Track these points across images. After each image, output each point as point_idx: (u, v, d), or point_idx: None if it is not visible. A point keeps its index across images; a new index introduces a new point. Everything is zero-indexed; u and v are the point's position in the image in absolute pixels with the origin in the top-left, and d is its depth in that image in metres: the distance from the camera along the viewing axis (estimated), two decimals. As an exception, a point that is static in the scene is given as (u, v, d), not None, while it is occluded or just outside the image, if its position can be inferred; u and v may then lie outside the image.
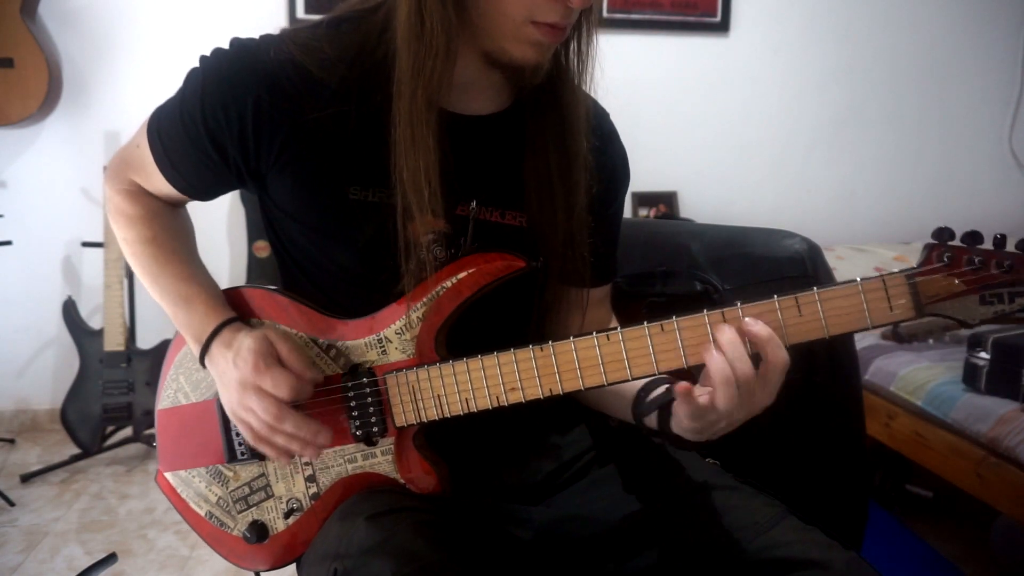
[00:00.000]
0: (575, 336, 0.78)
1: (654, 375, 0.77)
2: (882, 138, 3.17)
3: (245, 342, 0.81)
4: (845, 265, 2.63)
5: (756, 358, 0.72)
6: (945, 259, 0.69)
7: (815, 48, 3.05)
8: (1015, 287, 0.68)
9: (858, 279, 0.71)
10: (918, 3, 3.08)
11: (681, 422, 0.76)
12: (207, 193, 0.91)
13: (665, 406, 0.80)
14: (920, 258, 0.71)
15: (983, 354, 1.80)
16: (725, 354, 0.71)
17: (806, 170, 3.14)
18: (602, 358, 0.77)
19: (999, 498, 1.71)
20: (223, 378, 0.84)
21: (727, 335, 0.71)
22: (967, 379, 1.86)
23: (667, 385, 0.82)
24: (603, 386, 0.78)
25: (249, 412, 0.81)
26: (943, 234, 0.70)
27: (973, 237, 0.69)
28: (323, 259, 0.88)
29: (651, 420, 0.83)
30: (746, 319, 0.72)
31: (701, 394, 0.73)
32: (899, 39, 3.10)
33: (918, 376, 1.99)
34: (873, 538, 1.20)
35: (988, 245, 0.69)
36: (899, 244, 2.92)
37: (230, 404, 0.83)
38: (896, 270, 0.71)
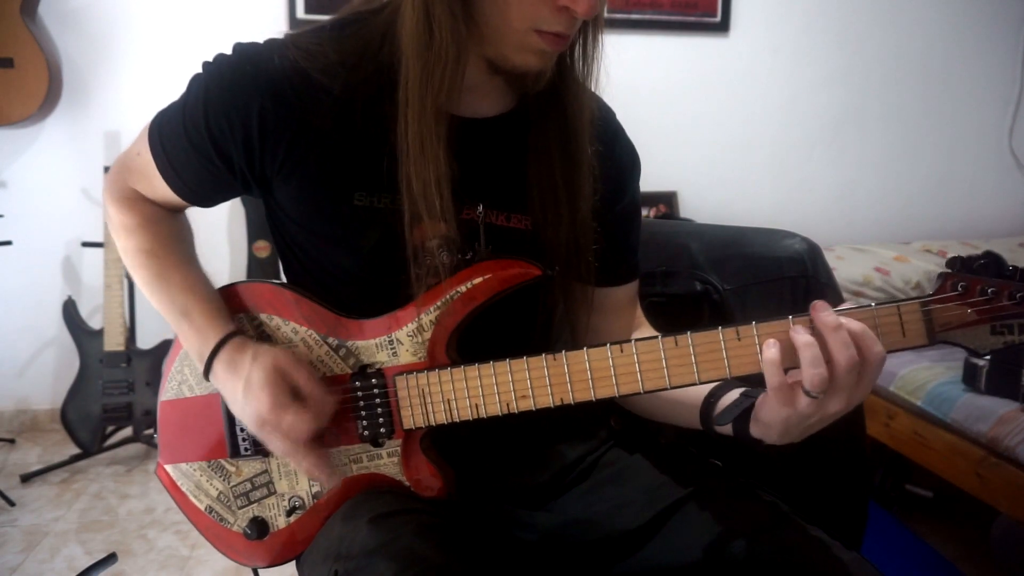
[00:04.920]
0: (588, 346, 0.78)
1: (665, 387, 0.77)
2: (882, 138, 3.17)
3: (255, 375, 0.81)
4: (845, 265, 2.63)
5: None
6: (959, 288, 0.70)
7: (815, 48, 3.05)
8: None
9: (872, 304, 0.71)
10: (918, 3, 3.08)
11: (769, 416, 0.72)
12: (209, 199, 0.91)
13: (742, 413, 0.77)
14: (934, 286, 0.71)
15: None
16: (823, 334, 0.67)
17: (806, 170, 3.14)
18: (615, 369, 0.77)
19: (999, 498, 1.71)
20: (233, 402, 0.84)
21: (827, 319, 0.67)
22: (967, 379, 1.87)
23: (740, 390, 0.80)
24: (614, 397, 0.78)
25: (272, 442, 0.83)
26: (956, 263, 0.71)
27: (986, 267, 0.70)
28: (328, 264, 0.88)
29: (725, 427, 0.80)
30: (841, 318, 0.68)
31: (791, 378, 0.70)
32: (899, 39, 3.10)
33: (918, 376, 2.00)
34: (873, 538, 1.21)
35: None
36: (899, 244, 2.92)
37: (247, 425, 0.84)
38: (907, 297, 0.72)
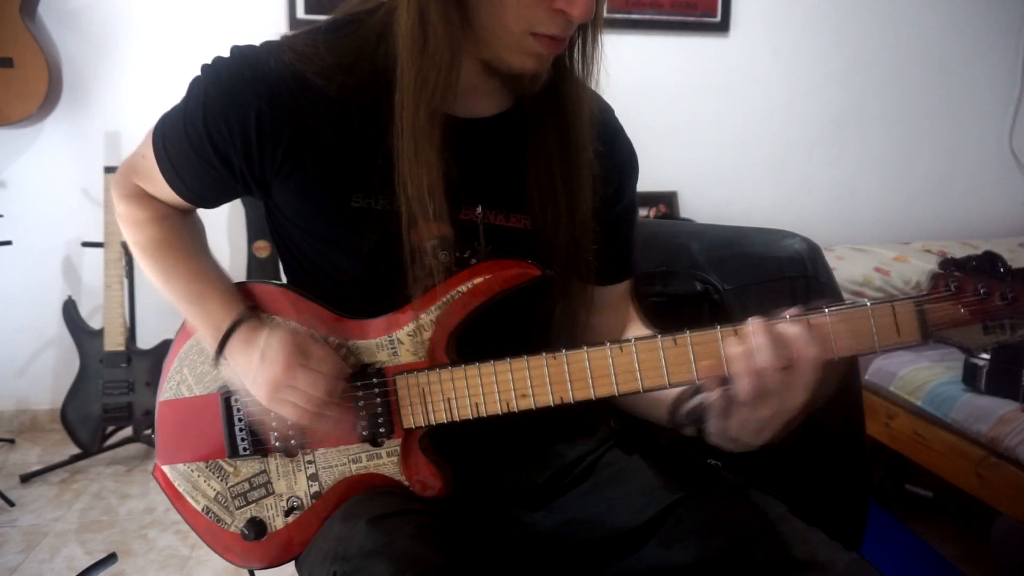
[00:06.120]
0: (588, 345, 0.78)
1: (665, 386, 0.77)
2: (882, 138, 3.17)
3: (272, 342, 0.82)
4: (845, 265, 2.62)
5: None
6: (951, 287, 0.72)
7: (815, 48, 3.05)
8: (1016, 318, 0.71)
9: (867, 302, 0.72)
10: (918, 3, 3.08)
11: (716, 425, 0.75)
12: (212, 201, 0.91)
13: (701, 418, 0.78)
14: (927, 285, 0.73)
15: (983, 354, 1.81)
16: (745, 344, 0.70)
17: (806, 170, 3.14)
18: (614, 368, 0.78)
19: (999, 498, 1.71)
20: (246, 374, 0.84)
21: (750, 327, 0.71)
22: (967, 379, 1.87)
23: (703, 395, 0.81)
24: (614, 396, 0.78)
25: (286, 404, 0.81)
26: (948, 263, 0.73)
27: (978, 267, 0.71)
28: (327, 265, 0.88)
29: (688, 429, 0.82)
30: (778, 324, 0.71)
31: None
32: (899, 39, 3.10)
33: (918, 376, 2.00)
34: (873, 538, 1.21)
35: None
36: (899, 244, 2.92)
37: (262, 396, 0.83)
38: (903, 295, 0.73)
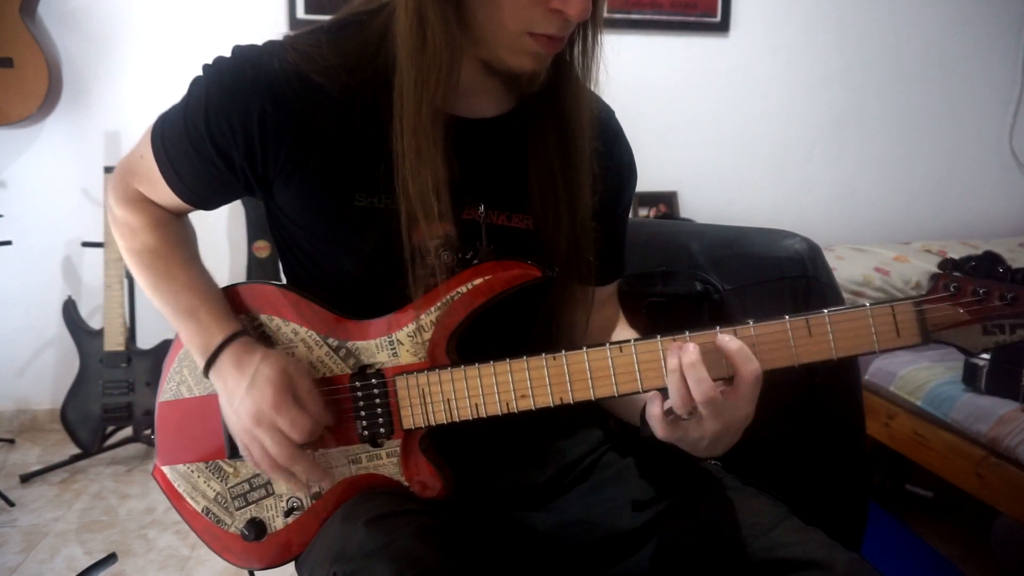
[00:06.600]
0: (588, 346, 0.79)
1: (664, 387, 0.77)
2: (882, 138, 3.17)
3: (262, 370, 0.81)
4: (845, 265, 2.62)
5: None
6: (951, 289, 0.72)
7: (815, 48, 3.05)
8: (1016, 319, 0.71)
9: (867, 304, 0.73)
10: (918, 3, 3.08)
11: (667, 435, 0.77)
12: (211, 201, 0.91)
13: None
14: (927, 286, 0.73)
15: (983, 354, 1.81)
16: (684, 375, 0.72)
17: (806, 170, 3.14)
18: (614, 369, 0.78)
19: (999, 498, 1.71)
20: (231, 397, 0.84)
21: (688, 357, 0.72)
22: (967, 379, 1.87)
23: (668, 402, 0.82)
24: (614, 396, 0.79)
25: (257, 443, 0.82)
26: (948, 264, 0.73)
27: (977, 268, 0.72)
28: (328, 264, 0.88)
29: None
30: (719, 336, 0.73)
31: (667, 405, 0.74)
32: (899, 39, 3.10)
33: (918, 376, 2.00)
34: (873, 538, 1.21)
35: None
36: (899, 244, 2.92)
37: (238, 428, 0.83)
38: (904, 296, 0.74)
